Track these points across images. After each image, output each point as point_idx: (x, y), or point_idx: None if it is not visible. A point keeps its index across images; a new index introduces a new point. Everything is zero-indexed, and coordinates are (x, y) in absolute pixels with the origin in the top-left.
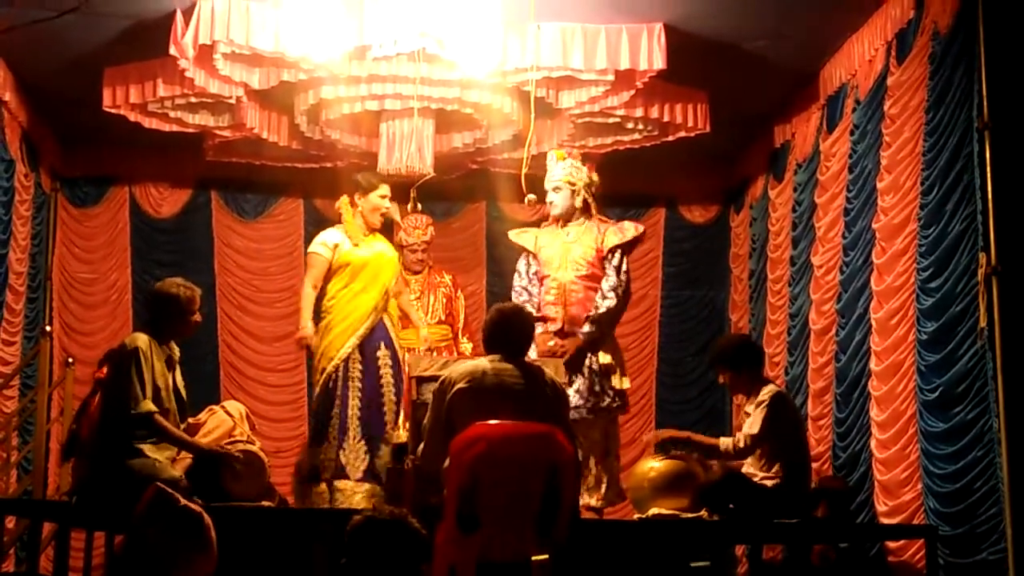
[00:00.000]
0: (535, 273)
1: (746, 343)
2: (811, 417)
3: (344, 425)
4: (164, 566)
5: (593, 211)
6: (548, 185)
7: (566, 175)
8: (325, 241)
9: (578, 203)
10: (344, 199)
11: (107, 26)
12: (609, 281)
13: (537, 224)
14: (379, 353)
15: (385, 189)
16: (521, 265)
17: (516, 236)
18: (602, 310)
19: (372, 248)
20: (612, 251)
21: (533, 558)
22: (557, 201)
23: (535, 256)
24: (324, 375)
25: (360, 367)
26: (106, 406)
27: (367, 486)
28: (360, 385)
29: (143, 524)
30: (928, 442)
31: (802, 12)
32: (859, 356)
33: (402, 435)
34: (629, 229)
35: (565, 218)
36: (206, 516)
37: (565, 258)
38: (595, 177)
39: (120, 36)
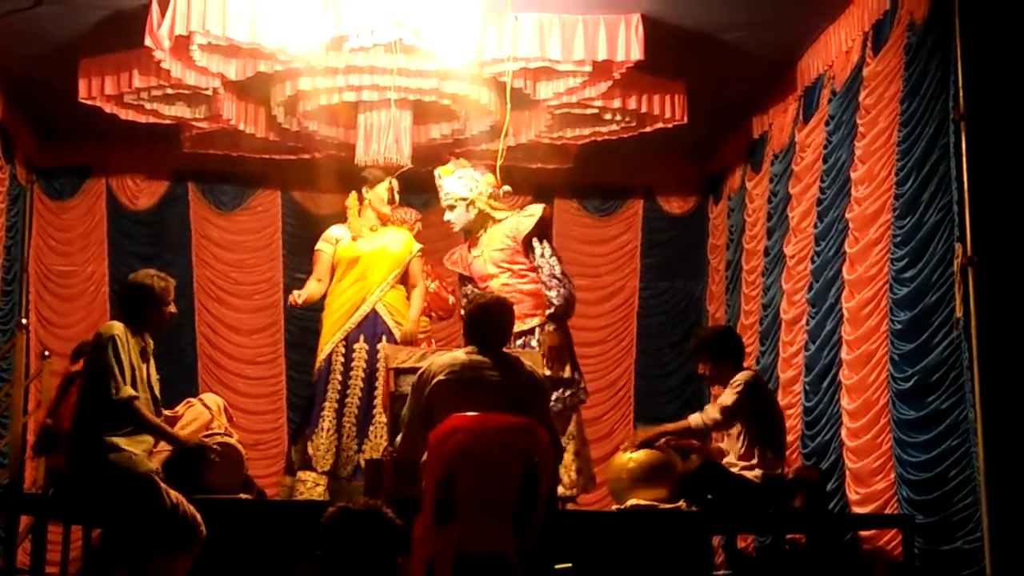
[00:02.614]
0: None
1: (729, 333)
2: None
3: (317, 418)
4: (147, 568)
5: (491, 216)
6: (443, 203)
7: (458, 191)
8: (328, 236)
9: (473, 214)
10: (352, 195)
11: (83, 17)
12: (544, 271)
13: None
14: (355, 346)
15: (392, 182)
16: (466, 290)
17: (448, 263)
18: (558, 303)
19: (374, 243)
20: (528, 241)
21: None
22: (453, 219)
23: (471, 280)
24: (314, 370)
25: (342, 360)
26: (85, 394)
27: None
28: (340, 379)
29: (129, 518)
30: (901, 431)
31: (779, 3)
32: (829, 345)
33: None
34: (535, 210)
35: (470, 232)
36: (203, 527)
37: (487, 268)
38: (489, 178)
39: (96, 26)
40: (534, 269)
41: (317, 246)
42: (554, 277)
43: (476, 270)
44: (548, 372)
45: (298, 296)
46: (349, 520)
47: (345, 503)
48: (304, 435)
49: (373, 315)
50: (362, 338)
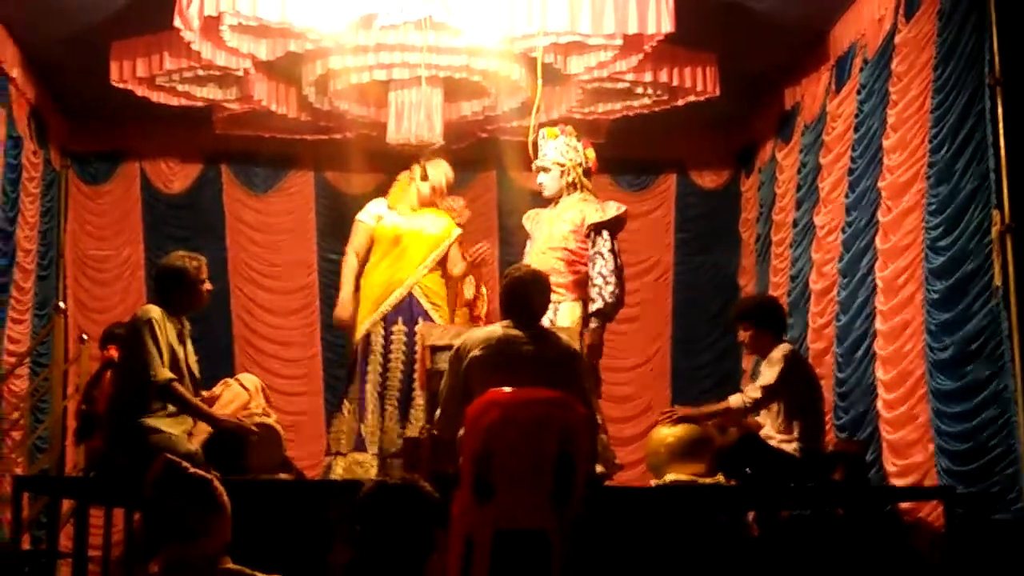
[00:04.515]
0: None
1: (771, 303)
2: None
3: (363, 400)
4: (181, 534)
5: (580, 189)
6: (538, 164)
7: (556, 156)
8: (369, 210)
9: (566, 182)
10: (405, 173)
11: (112, 1)
12: (606, 265)
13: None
14: (394, 328)
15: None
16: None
17: (526, 220)
18: (609, 300)
19: (414, 222)
20: (596, 230)
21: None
22: (546, 183)
23: (530, 235)
24: (353, 350)
25: (382, 341)
26: (122, 378)
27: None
28: (381, 360)
29: (154, 495)
30: (939, 401)
31: None
32: (862, 316)
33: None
34: (611, 208)
35: (556, 198)
36: (216, 481)
37: (544, 236)
38: (590, 154)
39: (127, 9)
40: (578, 254)
41: (358, 216)
42: (613, 274)
43: (536, 231)
44: None
45: (339, 316)
46: (386, 495)
47: (382, 478)
48: (346, 414)
49: (410, 298)
50: (400, 320)
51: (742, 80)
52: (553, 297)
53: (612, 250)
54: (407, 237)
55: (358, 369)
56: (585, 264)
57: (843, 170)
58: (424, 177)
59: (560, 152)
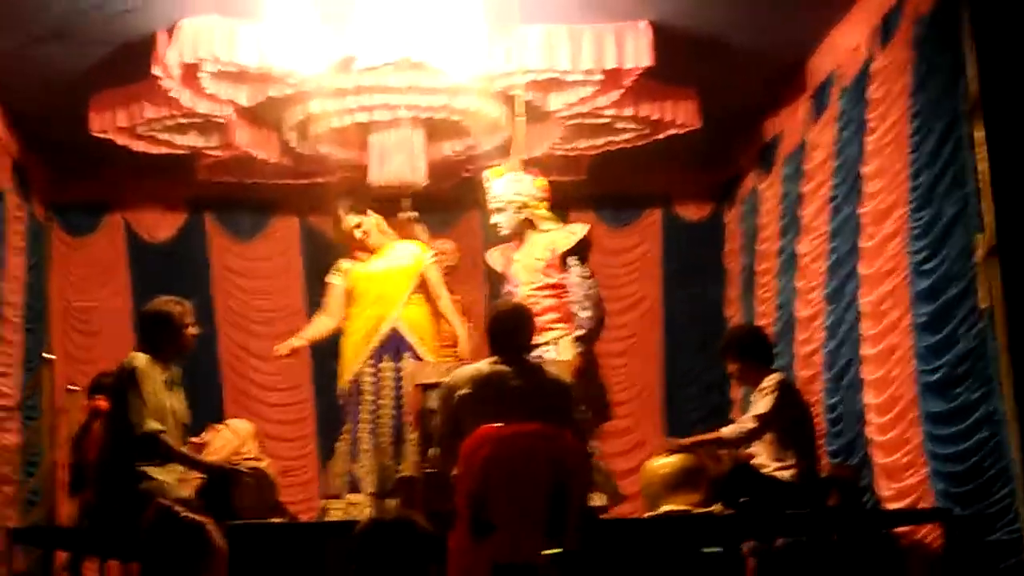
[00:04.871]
0: (507, 292)
1: (757, 333)
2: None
3: (356, 441)
4: None
5: (536, 223)
6: (491, 206)
7: (506, 193)
8: (337, 267)
9: (523, 217)
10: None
11: (92, 52)
12: (578, 291)
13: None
14: (382, 366)
15: (349, 220)
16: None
17: (489, 257)
18: (588, 325)
19: (383, 262)
20: (566, 257)
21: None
22: (502, 222)
23: (505, 275)
24: (341, 392)
25: (371, 380)
26: (112, 428)
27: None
28: (372, 399)
29: (149, 540)
30: (931, 424)
31: (787, 3)
32: (849, 342)
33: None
34: (577, 229)
35: (518, 235)
36: (211, 524)
37: (525, 279)
38: (539, 183)
39: (105, 60)
40: (562, 286)
41: (328, 279)
42: (588, 298)
43: (512, 272)
44: None
45: (287, 347)
46: (381, 532)
47: (377, 515)
48: (340, 456)
49: (395, 334)
50: (386, 357)
51: (722, 113)
52: (550, 335)
53: (581, 275)
54: (381, 277)
55: (350, 411)
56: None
57: (824, 198)
58: (336, 222)
59: (512, 189)
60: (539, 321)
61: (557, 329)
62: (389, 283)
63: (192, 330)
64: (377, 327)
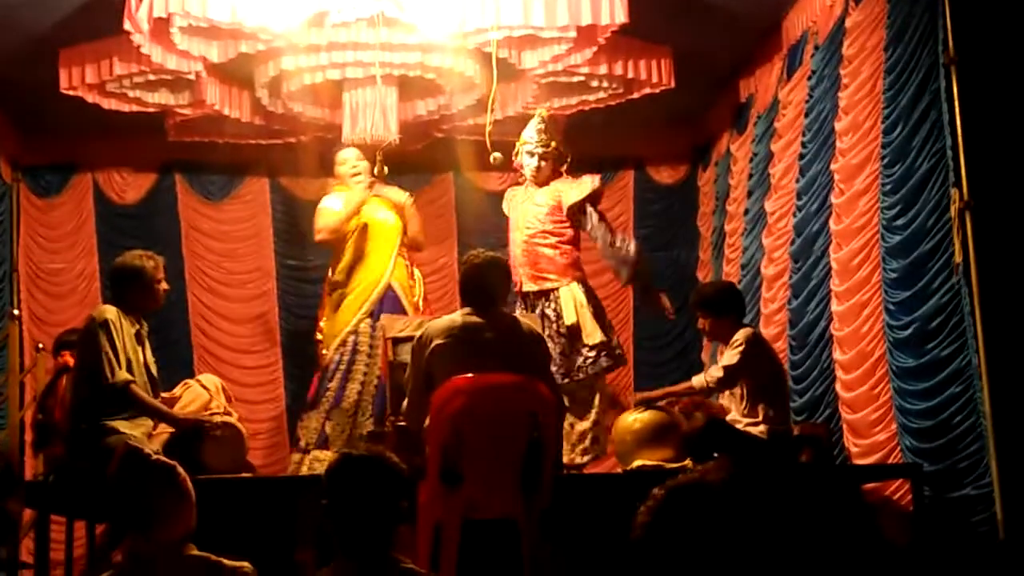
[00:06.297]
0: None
1: (730, 289)
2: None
3: (339, 399)
4: (145, 520)
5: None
6: (522, 147)
7: (530, 137)
8: (332, 201)
9: (550, 168)
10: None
11: (60, 6)
12: (605, 231)
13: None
14: (379, 324)
15: (344, 154)
16: None
17: (505, 203)
18: (637, 248)
19: (376, 213)
20: (581, 208)
21: None
22: (526, 164)
23: (508, 218)
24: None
25: (368, 341)
26: (79, 381)
27: None
28: (366, 358)
29: (118, 483)
30: (901, 380)
31: None
32: (816, 299)
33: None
34: (586, 183)
35: (539, 182)
36: (180, 468)
37: (522, 219)
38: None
39: (74, 15)
40: (560, 234)
41: (324, 205)
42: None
43: (513, 217)
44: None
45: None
46: (352, 466)
47: (347, 450)
48: (316, 411)
49: (390, 291)
50: (382, 316)
51: (698, 74)
52: (547, 284)
53: (604, 219)
54: (378, 227)
55: (342, 364)
56: (570, 243)
57: (794, 156)
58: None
59: (536, 135)
60: (534, 269)
61: (551, 279)
62: (384, 236)
63: (163, 286)
64: (377, 282)
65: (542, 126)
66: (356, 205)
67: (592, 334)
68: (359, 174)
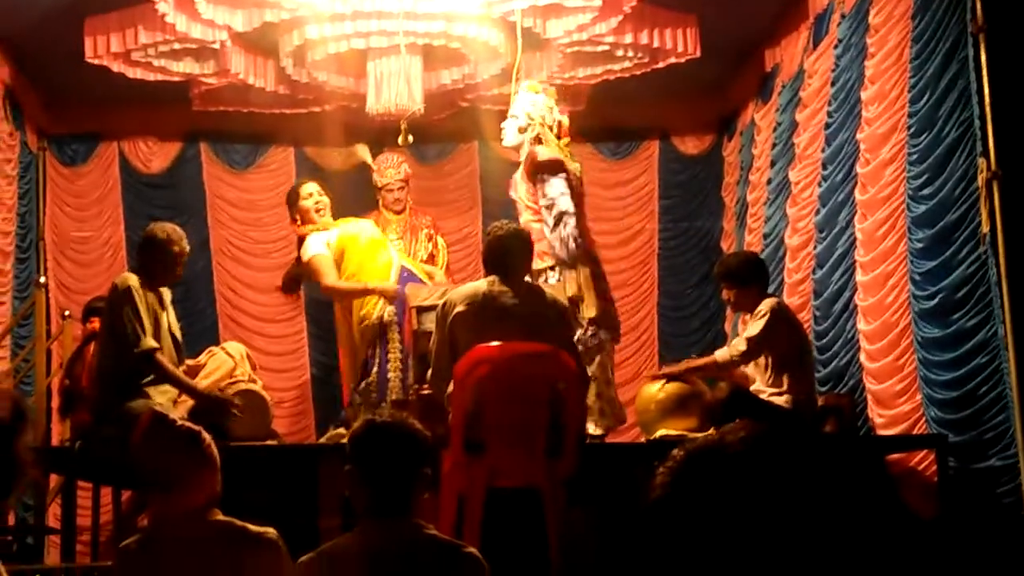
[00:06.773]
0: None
1: (754, 260)
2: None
3: (383, 386)
4: (169, 485)
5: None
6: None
7: (524, 107)
8: (316, 242)
9: (527, 138)
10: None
11: None
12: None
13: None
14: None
15: (309, 187)
16: None
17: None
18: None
19: (367, 232)
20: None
21: None
22: (506, 129)
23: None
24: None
25: (396, 324)
26: (105, 348)
27: None
28: (398, 334)
29: (143, 447)
30: (927, 350)
31: None
32: (841, 269)
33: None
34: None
35: (517, 150)
36: (204, 433)
37: (520, 203)
38: (564, 121)
39: None
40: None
41: (311, 255)
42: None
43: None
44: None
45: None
46: (375, 433)
47: (371, 417)
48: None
49: (404, 272)
50: (408, 286)
51: (723, 44)
52: (543, 264)
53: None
54: (371, 241)
55: (376, 358)
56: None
57: (819, 125)
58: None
59: (523, 106)
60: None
61: (547, 257)
62: (377, 248)
63: (184, 258)
64: (390, 266)
65: (523, 93)
66: (363, 289)
67: (589, 308)
68: (322, 209)
